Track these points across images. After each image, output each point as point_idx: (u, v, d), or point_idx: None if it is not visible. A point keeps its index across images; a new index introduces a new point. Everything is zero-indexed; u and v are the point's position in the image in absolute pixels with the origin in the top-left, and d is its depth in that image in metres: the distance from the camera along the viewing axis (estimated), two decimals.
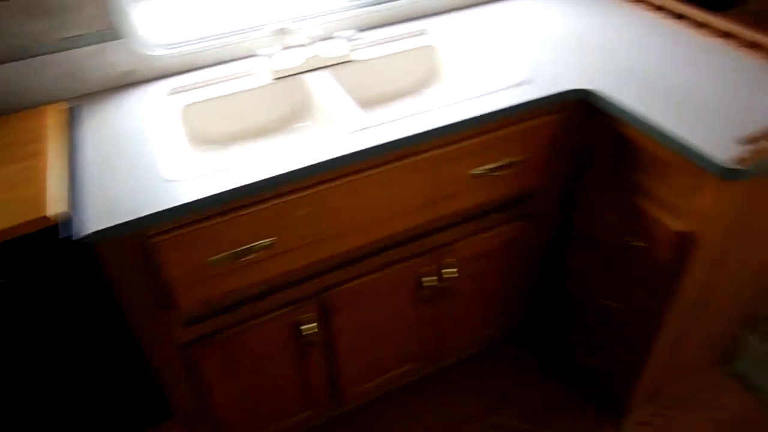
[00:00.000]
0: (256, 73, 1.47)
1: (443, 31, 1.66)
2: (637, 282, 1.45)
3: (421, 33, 1.66)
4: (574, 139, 1.48)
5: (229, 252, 1.18)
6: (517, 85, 1.38)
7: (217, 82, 1.46)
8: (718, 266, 1.35)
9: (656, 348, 1.48)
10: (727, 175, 1.14)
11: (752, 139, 1.10)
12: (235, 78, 1.47)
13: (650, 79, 1.41)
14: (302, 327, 1.42)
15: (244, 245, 1.19)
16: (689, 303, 1.41)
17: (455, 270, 1.53)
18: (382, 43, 1.61)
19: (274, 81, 1.45)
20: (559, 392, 1.83)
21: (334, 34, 1.54)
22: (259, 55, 1.46)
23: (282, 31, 1.42)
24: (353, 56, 1.53)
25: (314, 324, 1.42)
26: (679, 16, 1.63)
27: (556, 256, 1.71)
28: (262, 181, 1.13)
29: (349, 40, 1.51)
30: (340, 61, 1.50)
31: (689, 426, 1.74)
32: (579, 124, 1.45)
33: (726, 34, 1.52)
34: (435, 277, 1.53)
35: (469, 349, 1.90)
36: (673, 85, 1.38)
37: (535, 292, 1.82)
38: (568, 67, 1.46)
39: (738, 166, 1.12)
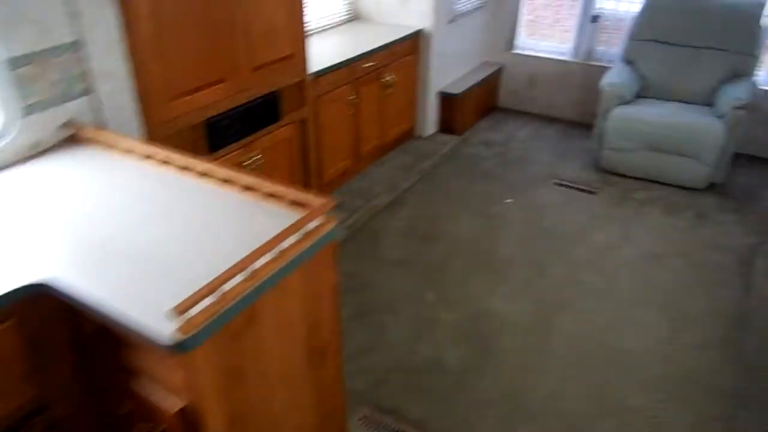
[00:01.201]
0: None
1: None
2: None
3: None
4: (55, 335, 1.26)
5: None
6: None
7: None
8: (238, 421, 1.24)
9: None
10: (176, 350, 1.03)
11: (182, 310, 1.01)
12: None
13: (121, 248, 1.26)
14: None
15: None
16: None
17: None
18: None
19: None
20: None
21: None
22: None
23: None
24: None
25: None
26: (165, 162, 1.57)
27: None
28: None
29: None
30: None
31: None
32: (57, 316, 1.24)
33: (204, 174, 1.50)
34: None
35: None
36: (142, 250, 1.26)
37: None
38: (27, 255, 1.24)
39: (181, 338, 1.02)
